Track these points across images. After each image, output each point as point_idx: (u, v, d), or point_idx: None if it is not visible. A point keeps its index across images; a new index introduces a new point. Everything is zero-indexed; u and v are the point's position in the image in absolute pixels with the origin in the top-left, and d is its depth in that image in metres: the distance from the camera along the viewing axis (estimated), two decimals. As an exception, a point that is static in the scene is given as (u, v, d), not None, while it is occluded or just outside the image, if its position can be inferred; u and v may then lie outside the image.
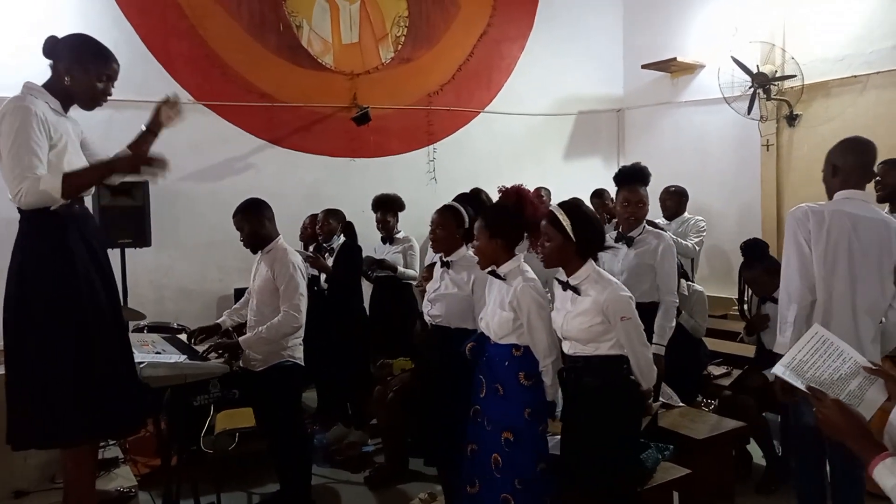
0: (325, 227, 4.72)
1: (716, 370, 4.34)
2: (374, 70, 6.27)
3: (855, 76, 5.54)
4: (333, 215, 4.78)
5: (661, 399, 3.66)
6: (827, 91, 5.75)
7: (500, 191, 2.80)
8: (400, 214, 5.23)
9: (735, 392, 3.70)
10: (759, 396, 3.58)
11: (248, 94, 5.76)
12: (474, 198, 4.59)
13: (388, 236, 5.01)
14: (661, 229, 4.79)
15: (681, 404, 3.71)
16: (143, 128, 2.62)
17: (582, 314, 2.44)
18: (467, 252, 3.05)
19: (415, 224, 5.54)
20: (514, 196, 2.72)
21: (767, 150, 6.15)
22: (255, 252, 3.41)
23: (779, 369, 1.54)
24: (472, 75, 6.70)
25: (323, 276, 4.73)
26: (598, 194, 5.82)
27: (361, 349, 4.61)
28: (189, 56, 5.57)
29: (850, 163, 2.64)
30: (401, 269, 4.87)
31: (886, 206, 3.86)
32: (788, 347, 2.44)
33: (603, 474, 2.47)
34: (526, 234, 2.73)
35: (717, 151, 6.59)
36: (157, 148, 5.63)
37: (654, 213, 5.52)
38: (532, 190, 6.24)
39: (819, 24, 5.78)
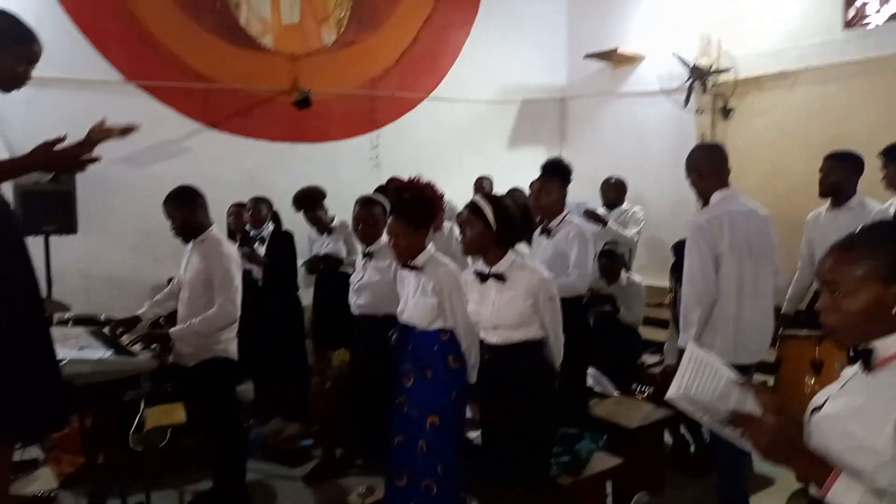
0: (256, 216, 4.58)
1: (650, 359, 4.45)
2: (316, 53, 6.12)
3: (786, 71, 5.72)
4: (263, 203, 4.65)
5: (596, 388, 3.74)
6: (760, 85, 5.92)
7: (408, 181, 2.84)
8: (341, 202, 5.15)
9: (665, 381, 3.79)
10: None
11: (183, 75, 5.55)
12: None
13: (324, 229, 4.87)
14: (602, 219, 4.86)
15: (615, 393, 3.79)
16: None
17: (512, 300, 2.52)
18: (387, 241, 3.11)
19: (357, 212, 5.48)
20: (430, 189, 2.80)
21: (704, 142, 6.30)
22: (186, 242, 3.30)
23: (681, 403, 1.50)
24: (416, 60, 6.62)
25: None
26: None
27: (298, 338, 4.52)
28: (119, 33, 5.31)
29: (712, 164, 2.91)
30: (345, 258, 4.77)
31: (829, 201, 3.81)
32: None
33: (534, 458, 2.57)
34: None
35: (656, 142, 6.72)
36: (84, 130, 5.41)
37: (595, 203, 5.63)
38: (475, 179, 6.29)
39: (753, 19, 5.93)
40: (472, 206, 2.59)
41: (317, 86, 5.99)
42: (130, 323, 3.28)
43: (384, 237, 3.25)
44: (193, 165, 5.59)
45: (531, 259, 3.42)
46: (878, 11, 5.27)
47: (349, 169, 6.25)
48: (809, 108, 5.61)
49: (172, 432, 3.69)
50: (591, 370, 3.78)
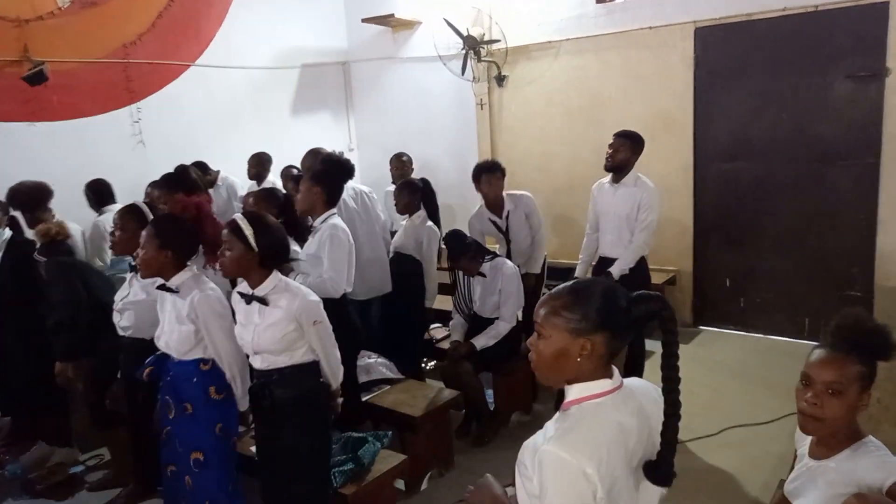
0: (-10, 221, 3.88)
1: (438, 333, 4.56)
2: (50, 16, 5.24)
3: (550, 42, 6.04)
4: (-2, 205, 3.95)
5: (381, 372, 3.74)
6: (528, 54, 6.20)
7: (178, 201, 2.63)
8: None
9: (452, 362, 3.91)
10: (474, 360, 3.86)
11: None
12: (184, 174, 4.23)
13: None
14: None
15: (401, 376, 3.82)
16: None
17: (274, 324, 2.39)
18: None
19: (122, 194, 4.95)
20: (195, 210, 2.57)
21: (482, 108, 6.51)
22: None
23: None
24: (176, 24, 5.96)
25: None
26: None
27: (48, 358, 3.97)
28: None
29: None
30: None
31: (609, 176, 4.00)
32: None
33: (302, 483, 2.50)
34: (202, 249, 2.64)
35: (439, 108, 6.82)
36: None
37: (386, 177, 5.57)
38: (250, 157, 5.93)
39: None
40: (233, 226, 2.39)
41: (54, 54, 5.17)
42: None
43: None
44: None
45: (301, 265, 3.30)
46: (623, -13, 5.69)
47: (108, 147, 5.56)
48: (569, 77, 6.00)
49: None
50: (374, 359, 3.78)
